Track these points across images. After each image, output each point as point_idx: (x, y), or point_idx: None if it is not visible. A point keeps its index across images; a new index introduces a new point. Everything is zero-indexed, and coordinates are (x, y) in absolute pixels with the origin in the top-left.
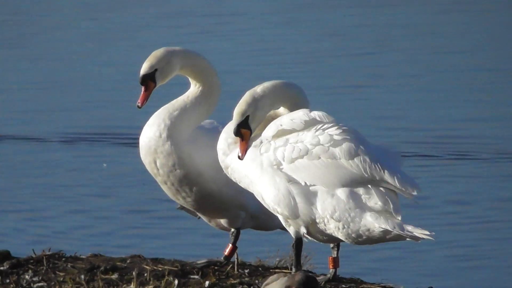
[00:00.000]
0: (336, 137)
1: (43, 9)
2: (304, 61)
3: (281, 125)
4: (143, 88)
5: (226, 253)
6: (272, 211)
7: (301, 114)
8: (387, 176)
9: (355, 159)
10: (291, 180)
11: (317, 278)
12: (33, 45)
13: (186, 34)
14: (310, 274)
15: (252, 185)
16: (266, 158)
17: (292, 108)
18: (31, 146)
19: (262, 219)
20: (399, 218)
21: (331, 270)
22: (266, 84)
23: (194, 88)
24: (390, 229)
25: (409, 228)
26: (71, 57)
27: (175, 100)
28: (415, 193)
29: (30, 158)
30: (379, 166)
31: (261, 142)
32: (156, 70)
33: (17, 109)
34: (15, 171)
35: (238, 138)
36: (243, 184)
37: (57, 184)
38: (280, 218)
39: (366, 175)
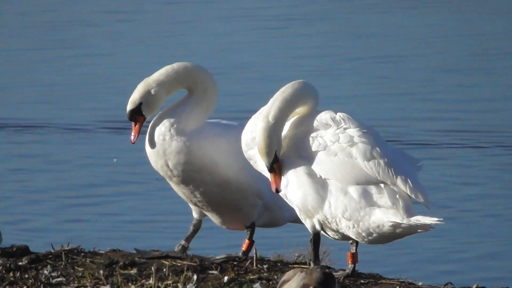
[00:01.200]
0: (355, 138)
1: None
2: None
3: (305, 127)
4: (132, 123)
5: (244, 248)
6: (289, 202)
7: (327, 117)
8: (399, 182)
9: (370, 161)
10: (309, 172)
11: (336, 274)
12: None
13: (209, 36)
14: (327, 270)
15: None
16: (284, 148)
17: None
18: (51, 136)
19: (274, 212)
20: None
21: (349, 265)
22: (272, 116)
23: (189, 92)
24: (399, 221)
25: (417, 217)
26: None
27: (172, 104)
28: (422, 200)
29: (47, 149)
30: (392, 171)
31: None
32: (141, 103)
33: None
34: (34, 161)
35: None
36: (265, 173)
37: (72, 177)
38: (296, 210)
39: (379, 178)
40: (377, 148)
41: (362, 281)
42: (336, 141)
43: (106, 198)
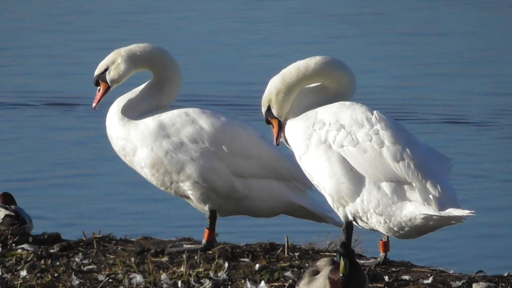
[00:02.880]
0: (386, 141)
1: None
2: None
3: (339, 121)
4: (97, 89)
5: (204, 238)
6: (321, 190)
7: (363, 117)
8: (428, 186)
9: (399, 163)
10: (342, 161)
11: (367, 262)
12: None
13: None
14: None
15: (300, 160)
16: (317, 135)
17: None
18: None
19: (241, 200)
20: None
21: (381, 253)
22: (289, 79)
23: (153, 78)
24: (431, 213)
25: (449, 210)
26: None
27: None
28: (452, 203)
29: (82, 131)
30: (421, 174)
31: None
32: (106, 70)
33: None
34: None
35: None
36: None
37: (103, 166)
38: (328, 199)
39: (409, 180)
40: (407, 151)
41: (393, 269)
42: (368, 141)
43: (138, 186)
